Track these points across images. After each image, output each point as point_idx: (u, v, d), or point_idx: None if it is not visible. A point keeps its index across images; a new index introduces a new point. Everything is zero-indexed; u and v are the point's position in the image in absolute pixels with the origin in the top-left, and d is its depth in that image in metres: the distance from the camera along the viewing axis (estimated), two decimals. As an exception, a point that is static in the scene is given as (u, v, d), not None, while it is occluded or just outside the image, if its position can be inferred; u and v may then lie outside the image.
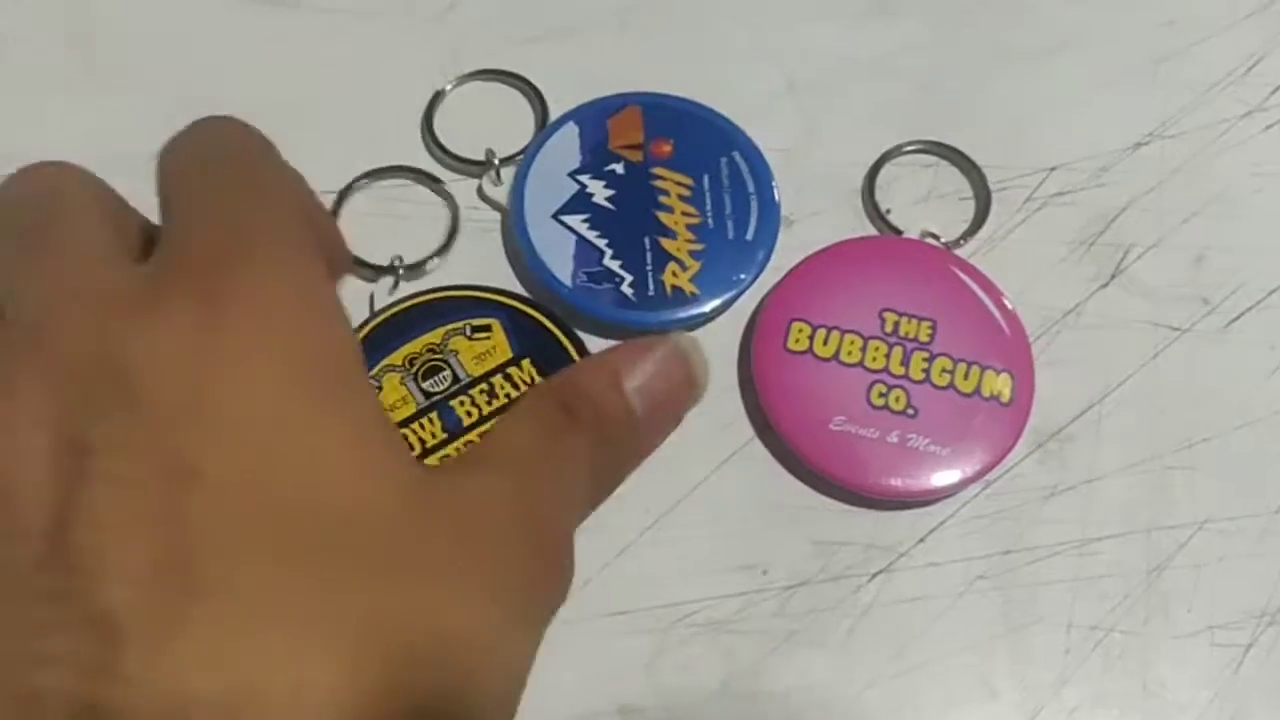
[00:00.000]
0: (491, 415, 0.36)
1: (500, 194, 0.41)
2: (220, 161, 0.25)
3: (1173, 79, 0.45)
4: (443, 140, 0.41)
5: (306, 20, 0.44)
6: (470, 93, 0.43)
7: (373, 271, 0.39)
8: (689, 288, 0.38)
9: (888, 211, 0.41)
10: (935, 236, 0.40)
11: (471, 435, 0.36)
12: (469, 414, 0.36)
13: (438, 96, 0.42)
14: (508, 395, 0.36)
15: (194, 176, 0.24)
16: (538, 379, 0.36)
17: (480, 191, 0.41)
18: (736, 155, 0.40)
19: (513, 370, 0.36)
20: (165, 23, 0.44)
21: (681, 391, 0.25)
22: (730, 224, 0.39)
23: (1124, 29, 0.46)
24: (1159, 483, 0.38)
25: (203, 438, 0.20)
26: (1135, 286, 0.41)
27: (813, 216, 0.41)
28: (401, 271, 0.39)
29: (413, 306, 0.38)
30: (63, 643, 0.18)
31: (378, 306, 0.38)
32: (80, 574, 0.18)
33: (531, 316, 0.37)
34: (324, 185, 0.41)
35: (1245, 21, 0.46)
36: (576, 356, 0.36)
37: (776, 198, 0.40)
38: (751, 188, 0.40)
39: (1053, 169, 0.42)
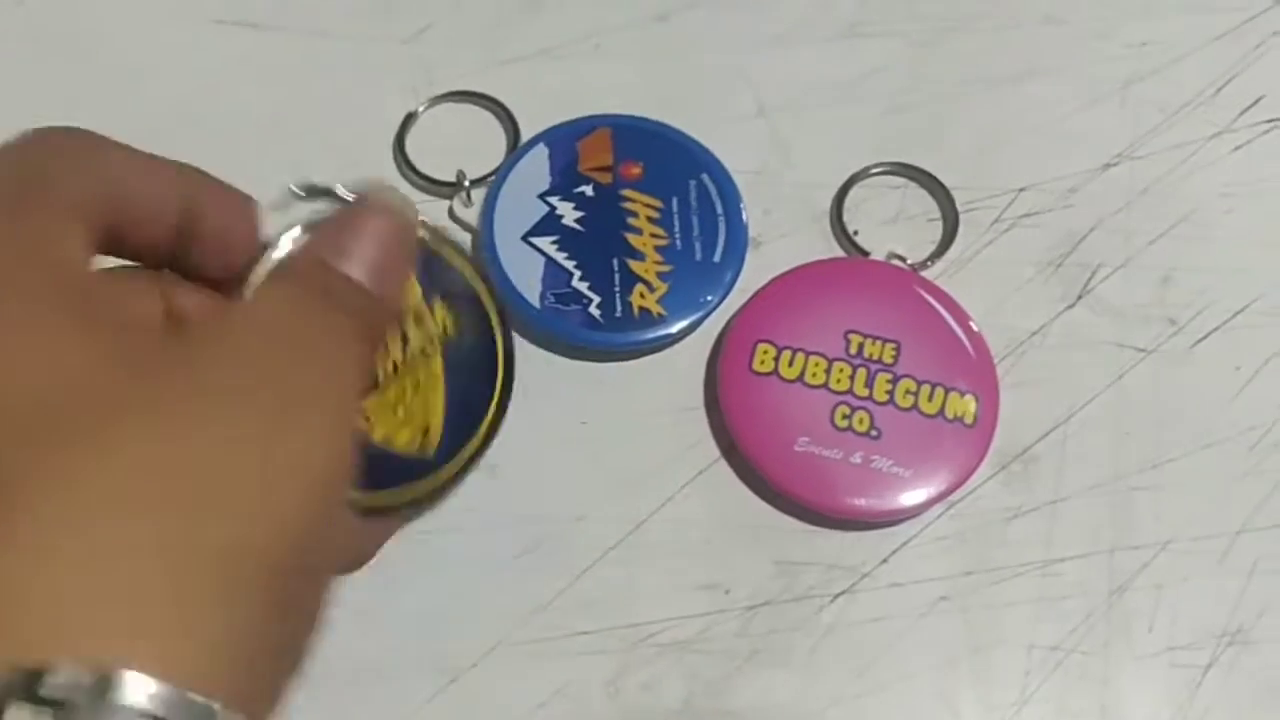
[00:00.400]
0: (405, 364, 0.32)
1: (471, 215, 0.41)
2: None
3: (1143, 100, 0.45)
4: (414, 161, 0.42)
5: (283, 42, 0.45)
6: (442, 114, 0.43)
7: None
8: (656, 309, 0.39)
9: (855, 233, 0.41)
10: (901, 258, 0.40)
11: (390, 390, 0.32)
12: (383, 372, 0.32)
13: (410, 118, 0.43)
14: (421, 348, 0.32)
15: None
16: (450, 327, 0.32)
17: (451, 213, 0.41)
18: (705, 177, 0.41)
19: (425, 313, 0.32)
20: (147, 43, 0.45)
21: (400, 248, 0.26)
22: (698, 246, 0.39)
23: (1096, 51, 0.46)
24: (1123, 503, 0.38)
25: None
26: (1102, 307, 0.41)
27: (781, 238, 0.41)
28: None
29: None
30: None
31: None
32: None
33: (441, 259, 0.33)
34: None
35: (1215, 44, 0.46)
36: (493, 310, 0.34)
37: (745, 219, 0.40)
38: (720, 209, 0.40)
39: (1021, 190, 0.43)
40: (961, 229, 0.41)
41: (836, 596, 0.36)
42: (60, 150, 0.26)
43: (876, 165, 0.42)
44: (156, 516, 0.19)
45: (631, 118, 0.42)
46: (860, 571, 0.37)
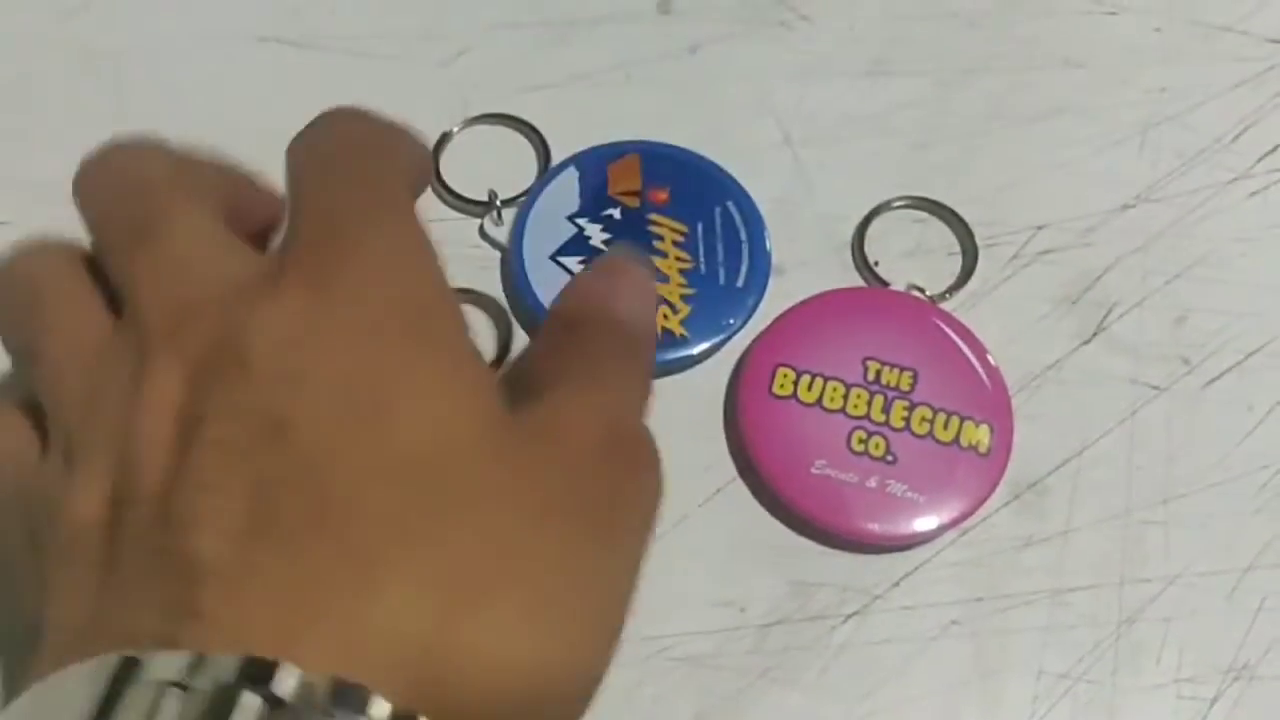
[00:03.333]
0: None
1: (501, 234, 0.42)
2: (329, 153, 0.28)
3: (1161, 144, 0.46)
4: (448, 181, 0.43)
5: (324, 61, 0.46)
6: (476, 135, 0.44)
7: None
8: (679, 330, 0.39)
9: (876, 264, 0.42)
10: (921, 290, 0.41)
11: None
12: None
13: (445, 138, 0.44)
14: None
15: (305, 170, 0.27)
16: None
17: (481, 231, 0.42)
18: (730, 205, 0.41)
19: None
20: (189, 59, 0.46)
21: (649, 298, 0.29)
22: (722, 271, 0.40)
23: (1117, 95, 0.47)
24: (1133, 537, 0.39)
25: (295, 397, 0.22)
26: (1117, 345, 0.42)
27: (802, 266, 0.42)
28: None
29: None
30: (157, 590, 0.21)
31: None
32: (178, 530, 0.21)
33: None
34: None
35: (1234, 91, 0.47)
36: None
37: (768, 247, 0.41)
38: (744, 236, 0.41)
39: (1040, 227, 0.44)
40: (981, 263, 0.42)
41: (849, 617, 0.37)
42: (381, 138, 0.30)
43: (898, 198, 0.43)
44: (479, 610, 0.21)
45: (660, 144, 0.43)
46: (873, 594, 0.37)
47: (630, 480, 0.25)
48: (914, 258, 0.43)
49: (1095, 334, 0.42)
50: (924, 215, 0.44)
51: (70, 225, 0.40)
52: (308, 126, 0.28)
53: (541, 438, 0.24)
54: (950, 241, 0.43)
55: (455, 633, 0.21)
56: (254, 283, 0.24)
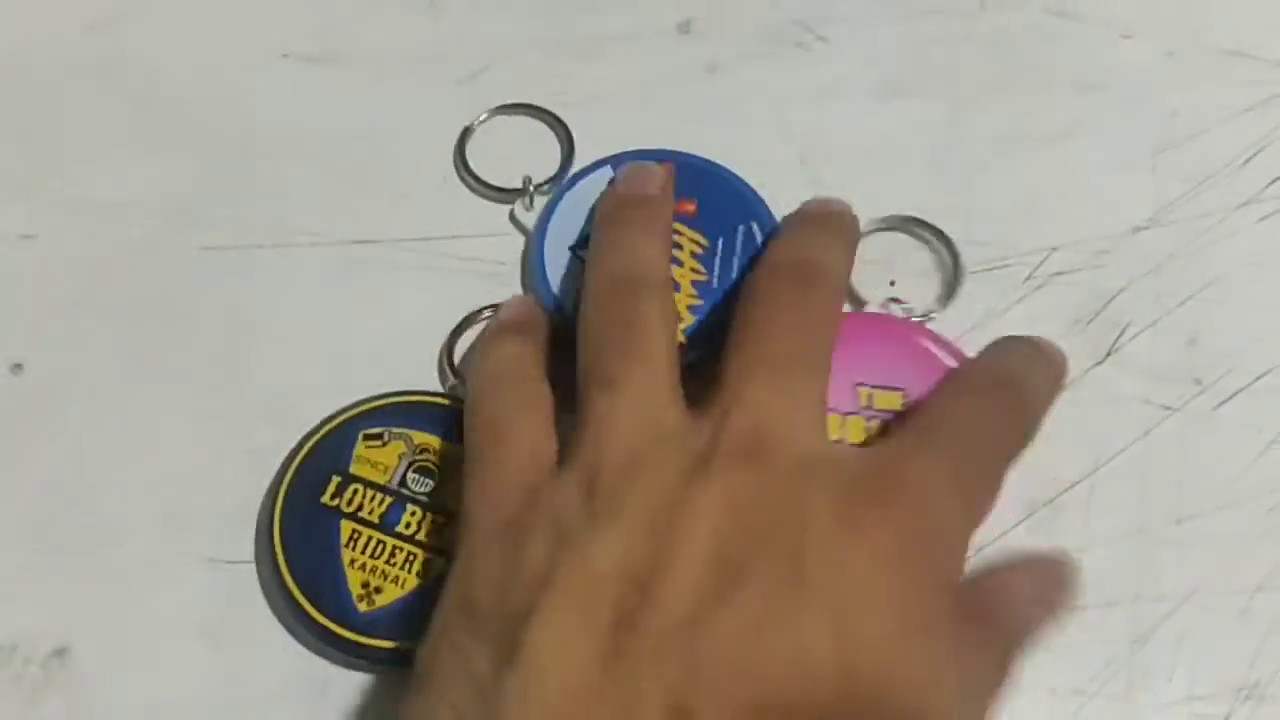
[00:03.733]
0: (423, 543, 0.35)
1: (530, 220, 0.43)
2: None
3: (1173, 168, 0.46)
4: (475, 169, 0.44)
5: (345, 77, 0.47)
6: (497, 127, 0.46)
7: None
8: (679, 337, 0.39)
9: (892, 283, 0.42)
10: (898, 301, 0.42)
11: (393, 541, 0.35)
12: (407, 525, 0.35)
13: (468, 130, 0.45)
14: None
15: None
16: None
17: (512, 216, 0.44)
18: (754, 225, 0.42)
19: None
20: (212, 74, 0.47)
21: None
22: (734, 288, 0.40)
23: (1128, 119, 0.47)
24: (1146, 556, 0.39)
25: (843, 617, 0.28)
26: (1130, 366, 0.42)
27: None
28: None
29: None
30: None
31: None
32: (688, 685, 0.24)
33: None
34: (358, 234, 0.43)
35: (1244, 115, 0.47)
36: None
37: (787, 269, 0.41)
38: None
39: (1053, 249, 0.44)
40: (995, 285, 0.43)
41: (865, 633, 0.37)
42: None
43: (875, 222, 0.44)
44: None
45: (697, 157, 0.43)
46: (889, 610, 0.38)
47: None
48: (909, 277, 0.43)
49: (1108, 355, 0.42)
50: (910, 239, 0.44)
51: (91, 238, 0.41)
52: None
53: None
54: (934, 263, 0.44)
55: None
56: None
